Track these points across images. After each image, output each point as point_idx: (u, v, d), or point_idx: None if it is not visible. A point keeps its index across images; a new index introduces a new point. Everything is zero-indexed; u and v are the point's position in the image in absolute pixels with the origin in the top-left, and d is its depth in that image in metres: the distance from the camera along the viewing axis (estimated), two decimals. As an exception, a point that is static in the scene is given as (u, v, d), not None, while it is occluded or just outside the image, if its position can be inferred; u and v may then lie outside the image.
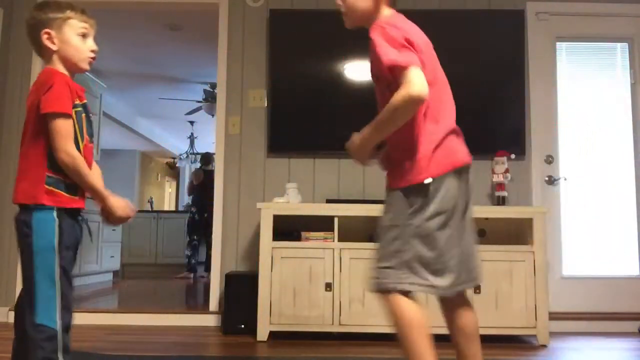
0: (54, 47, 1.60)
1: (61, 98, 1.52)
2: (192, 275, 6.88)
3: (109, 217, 1.61)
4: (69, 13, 1.61)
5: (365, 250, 2.94)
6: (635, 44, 3.77)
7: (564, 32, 3.77)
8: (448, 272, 1.58)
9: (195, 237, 6.92)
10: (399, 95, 1.48)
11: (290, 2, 3.76)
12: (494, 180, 3.47)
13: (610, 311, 3.53)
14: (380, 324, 2.75)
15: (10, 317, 3.30)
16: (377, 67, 1.62)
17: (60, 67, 1.61)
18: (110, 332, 3.26)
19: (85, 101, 1.63)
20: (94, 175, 1.59)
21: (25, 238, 1.52)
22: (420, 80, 1.47)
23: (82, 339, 2.99)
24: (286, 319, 3.04)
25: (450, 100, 1.71)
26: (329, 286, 3.04)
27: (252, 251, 3.54)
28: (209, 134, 8.68)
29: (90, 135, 1.65)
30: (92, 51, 1.66)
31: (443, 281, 1.57)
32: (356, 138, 1.65)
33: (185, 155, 9.99)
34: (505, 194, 3.43)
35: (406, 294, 1.56)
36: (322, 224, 3.15)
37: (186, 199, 9.06)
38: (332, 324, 3.03)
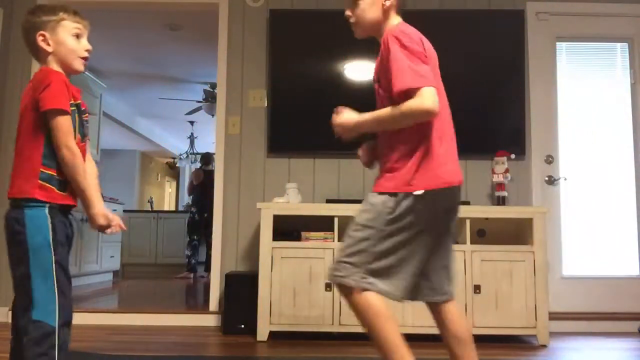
0: (49, 49, 1.64)
1: (60, 95, 1.55)
2: (192, 275, 6.88)
3: (90, 222, 1.62)
4: (62, 15, 1.65)
5: (365, 250, 2.94)
6: (635, 44, 3.77)
7: (564, 32, 3.77)
8: (397, 282, 1.61)
9: (195, 237, 6.92)
10: (412, 104, 1.54)
11: (290, 2, 3.76)
12: (494, 180, 3.47)
13: (610, 311, 3.53)
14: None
15: (10, 317, 3.29)
16: (383, 75, 1.64)
17: (56, 68, 1.64)
18: (110, 332, 3.26)
19: (79, 101, 1.65)
20: (89, 178, 1.61)
21: (17, 235, 1.53)
22: (434, 98, 1.54)
23: (82, 339, 2.99)
24: (286, 319, 3.04)
25: (449, 115, 1.73)
26: (329, 286, 3.04)
27: (252, 251, 3.54)
28: (209, 134, 8.68)
29: (83, 135, 1.66)
30: (87, 51, 1.69)
31: (393, 289, 1.61)
32: (352, 118, 1.70)
33: (185, 155, 9.99)
34: (505, 194, 3.43)
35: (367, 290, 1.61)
36: (322, 224, 3.15)
37: (186, 199, 9.07)
38: (332, 324, 3.03)
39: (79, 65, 1.68)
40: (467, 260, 3.05)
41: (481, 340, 2.94)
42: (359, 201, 3.36)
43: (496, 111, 3.62)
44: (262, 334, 3.02)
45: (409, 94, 1.54)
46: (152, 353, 2.72)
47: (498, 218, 3.21)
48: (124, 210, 7.34)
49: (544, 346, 2.99)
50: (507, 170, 3.43)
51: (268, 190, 3.64)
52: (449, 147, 1.68)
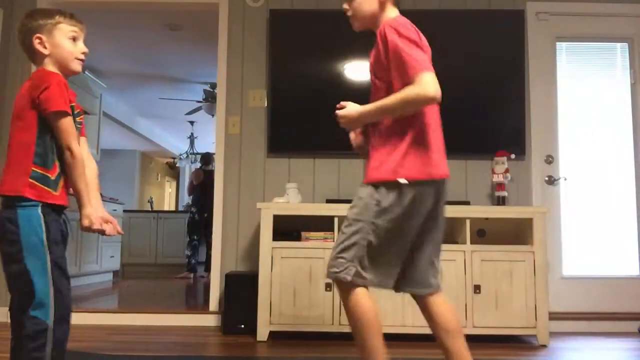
0: (45, 52, 1.66)
1: (61, 97, 1.57)
2: (192, 275, 6.88)
3: (81, 221, 1.62)
4: (58, 18, 1.67)
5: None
6: (635, 44, 3.77)
7: (564, 32, 3.77)
8: (388, 272, 1.67)
9: (195, 237, 6.92)
10: (414, 90, 1.56)
11: (290, 2, 3.76)
12: (494, 180, 3.47)
13: (610, 311, 3.53)
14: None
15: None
16: (380, 66, 1.66)
17: (53, 69, 1.66)
18: (110, 332, 3.26)
19: (73, 104, 1.67)
20: (88, 178, 1.63)
21: (10, 235, 1.54)
22: (435, 83, 1.56)
23: (82, 339, 2.99)
24: (286, 319, 3.04)
25: (437, 109, 1.76)
26: (329, 286, 3.04)
27: (252, 251, 3.54)
28: (209, 134, 8.68)
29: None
30: (83, 53, 1.71)
31: (385, 280, 1.68)
32: (354, 111, 1.73)
33: (185, 155, 10.00)
34: (505, 194, 3.43)
35: (362, 286, 1.66)
36: (322, 224, 3.15)
37: (186, 199, 9.07)
38: (332, 324, 3.03)
39: (76, 66, 1.70)
40: (467, 260, 3.05)
41: (481, 340, 2.96)
42: (359, 201, 3.38)
43: (496, 111, 3.62)
44: (262, 334, 3.02)
45: (409, 81, 1.57)
46: (152, 353, 2.72)
47: (498, 218, 3.21)
48: (124, 210, 7.33)
49: (544, 346, 2.99)
50: (507, 170, 3.43)
51: (268, 190, 3.64)
52: (437, 140, 1.70)
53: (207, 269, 6.42)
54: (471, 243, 3.09)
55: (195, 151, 9.80)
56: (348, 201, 3.28)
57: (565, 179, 3.67)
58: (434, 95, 1.55)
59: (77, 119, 1.68)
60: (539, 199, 3.61)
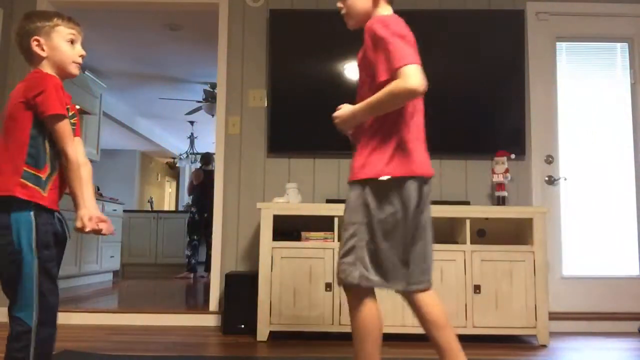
0: (43, 54, 1.67)
1: (58, 100, 1.58)
2: (192, 275, 6.88)
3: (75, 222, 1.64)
4: (56, 21, 1.68)
5: (365, 250, 2.94)
6: (635, 44, 3.77)
7: (564, 32, 3.77)
8: (386, 270, 1.68)
9: (195, 237, 6.92)
10: (398, 84, 1.56)
11: (290, 2, 3.76)
12: (494, 180, 3.47)
13: (610, 311, 3.53)
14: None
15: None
16: (365, 62, 1.67)
17: (50, 71, 1.67)
18: (110, 332, 3.26)
19: (68, 106, 1.67)
20: (84, 182, 1.64)
21: (1, 237, 1.55)
22: (419, 75, 1.55)
23: (82, 339, 3.00)
24: (286, 319, 3.04)
25: (422, 112, 1.77)
26: (329, 286, 3.04)
27: (252, 251, 3.54)
28: (209, 134, 8.68)
29: None
30: (81, 56, 1.72)
31: (386, 279, 1.68)
32: (347, 111, 1.75)
33: (185, 155, 10.00)
34: (505, 194, 3.43)
35: (368, 290, 1.69)
36: (322, 224, 3.15)
37: (186, 199, 9.06)
38: (332, 324, 3.03)
39: (74, 69, 1.71)
40: (467, 260, 3.05)
41: (481, 340, 2.96)
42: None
43: (496, 111, 3.62)
44: (262, 334, 3.02)
45: (395, 74, 1.57)
46: (152, 353, 2.72)
47: (498, 218, 3.21)
48: (124, 210, 7.33)
49: (544, 346, 2.99)
50: (507, 170, 3.43)
51: (268, 190, 3.64)
52: (420, 138, 1.72)
53: (207, 269, 6.42)
54: (471, 243, 3.08)
55: (195, 151, 9.80)
56: (348, 201, 3.31)
57: (565, 179, 3.67)
58: (416, 87, 1.54)
59: (72, 120, 1.69)
60: (539, 199, 3.61)
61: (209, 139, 9.01)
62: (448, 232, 3.33)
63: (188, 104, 7.73)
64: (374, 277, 1.67)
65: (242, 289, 3.21)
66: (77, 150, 1.65)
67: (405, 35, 1.62)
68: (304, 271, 3.07)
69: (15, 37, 1.70)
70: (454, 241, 3.21)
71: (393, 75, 1.57)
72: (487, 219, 3.23)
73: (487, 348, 2.88)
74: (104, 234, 1.67)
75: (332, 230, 3.10)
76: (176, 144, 10.82)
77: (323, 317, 3.04)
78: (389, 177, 1.64)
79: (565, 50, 3.79)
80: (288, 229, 3.18)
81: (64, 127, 1.59)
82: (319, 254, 3.07)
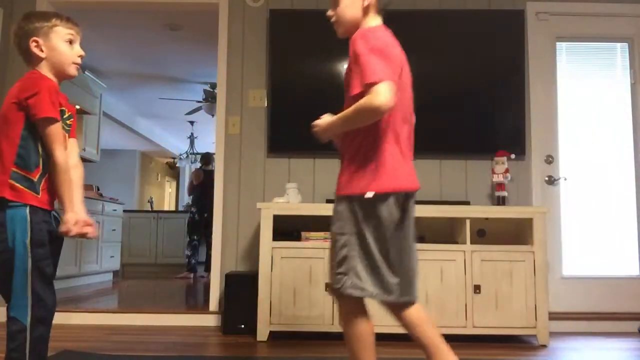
0: (42, 55, 1.67)
1: (50, 103, 1.58)
2: (192, 275, 6.88)
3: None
4: (54, 21, 1.68)
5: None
6: (635, 44, 3.77)
7: (564, 32, 3.77)
8: (380, 281, 1.67)
9: (195, 237, 6.92)
10: (364, 102, 1.55)
11: (290, 2, 3.76)
12: (494, 180, 3.47)
13: (610, 311, 3.53)
14: (379, 324, 2.74)
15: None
16: (349, 72, 1.69)
17: (48, 74, 1.67)
18: (110, 332, 3.26)
19: (64, 108, 1.68)
20: (73, 185, 1.64)
21: None
22: (387, 93, 1.53)
23: (82, 339, 3.00)
24: (286, 319, 3.04)
25: (411, 124, 1.76)
26: (329, 286, 3.03)
27: (252, 251, 3.54)
28: (209, 134, 8.69)
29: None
30: (80, 56, 1.72)
31: (379, 289, 1.67)
32: (325, 122, 1.77)
33: (185, 155, 10.00)
34: (505, 194, 3.43)
35: (360, 298, 1.68)
36: (322, 224, 3.14)
37: (186, 199, 9.07)
38: (332, 324, 3.03)
39: (72, 70, 1.71)
40: (467, 260, 3.05)
41: (481, 340, 2.96)
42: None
43: (496, 111, 3.62)
44: (262, 334, 3.02)
45: (365, 90, 1.56)
46: (152, 353, 2.72)
47: (498, 218, 3.21)
48: (124, 210, 7.33)
49: (544, 346, 2.99)
50: (507, 170, 3.43)
51: (268, 190, 3.64)
52: (404, 152, 1.71)
53: (207, 269, 6.42)
54: (471, 243, 3.08)
55: (195, 151, 9.80)
56: (348, 201, 3.31)
57: (565, 179, 3.67)
58: (380, 105, 1.51)
59: (68, 121, 1.69)
60: (539, 199, 3.61)
61: (209, 139, 9.01)
62: (448, 232, 3.33)
63: (188, 104, 7.73)
64: (367, 287, 1.66)
65: (242, 289, 3.21)
66: (67, 153, 1.65)
67: (383, 50, 1.59)
68: (304, 271, 3.07)
69: (14, 38, 1.70)
70: (454, 241, 3.21)
71: (364, 90, 1.56)
72: (487, 219, 3.23)
73: (487, 348, 2.88)
74: (89, 238, 1.67)
75: (332, 230, 3.09)
76: (176, 144, 10.82)
77: (323, 317, 3.04)
78: (373, 193, 1.64)
79: (565, 50, 3.79)
80: (288, 229, 3.18)
81: (55, 131, 1.59)
82: (319, 254, 3.07)
